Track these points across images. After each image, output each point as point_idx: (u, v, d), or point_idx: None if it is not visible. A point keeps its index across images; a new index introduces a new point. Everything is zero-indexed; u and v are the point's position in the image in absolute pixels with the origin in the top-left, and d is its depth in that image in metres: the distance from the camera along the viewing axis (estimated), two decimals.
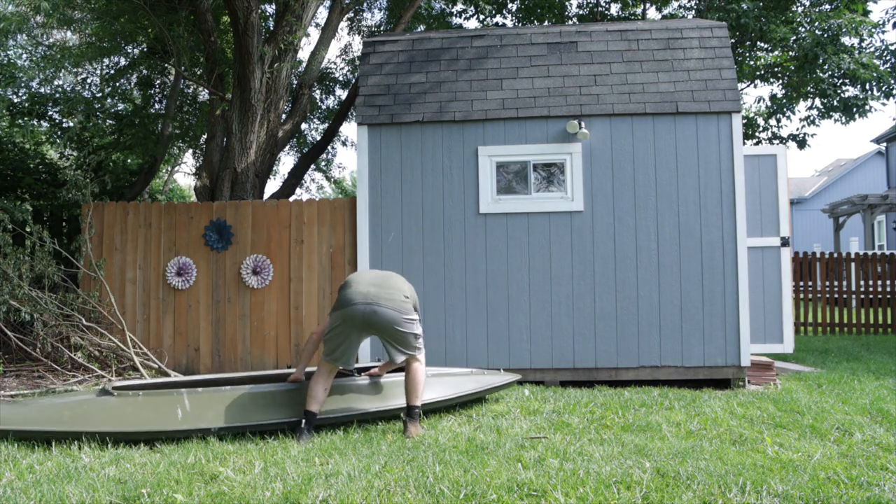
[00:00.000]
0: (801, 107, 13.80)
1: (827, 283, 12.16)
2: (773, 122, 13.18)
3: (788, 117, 12.81)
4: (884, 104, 12.91)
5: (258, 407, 4.48)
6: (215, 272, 7.09)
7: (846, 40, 11.46)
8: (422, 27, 13.91)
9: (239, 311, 7.00)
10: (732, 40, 11.86)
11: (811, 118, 12.88)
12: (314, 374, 4.60)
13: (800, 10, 12.18)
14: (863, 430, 4.41)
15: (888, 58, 11.97)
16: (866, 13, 11.66)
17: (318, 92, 14.80)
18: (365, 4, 13.99)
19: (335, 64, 18.12)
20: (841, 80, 11.79)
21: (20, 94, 12.00)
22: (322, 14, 12.66)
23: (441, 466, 3.53)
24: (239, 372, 7.01)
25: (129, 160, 13.89)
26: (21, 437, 4.25)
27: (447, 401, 5.08)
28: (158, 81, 13.62)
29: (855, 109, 11.75)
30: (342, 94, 15.25)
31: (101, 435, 4.22)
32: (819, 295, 12.08)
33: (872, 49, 12.12)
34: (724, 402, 5.31)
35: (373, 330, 4.55)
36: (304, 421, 4.38)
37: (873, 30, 11.69)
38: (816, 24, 11.53)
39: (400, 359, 4.59)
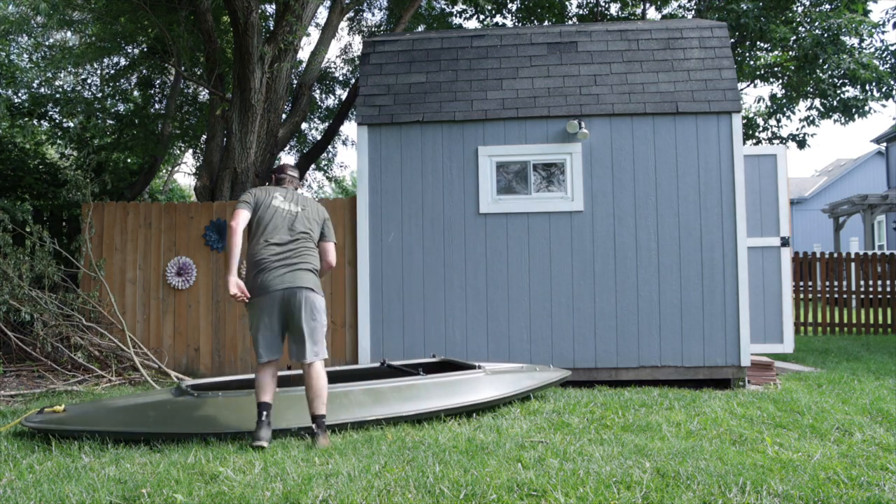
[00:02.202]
0: (801, 107, 13.81)
1: (827, 283, 12.16)
2: (773, 122, 13.18)
3: (788, 117, 12.81)
4: (884, 104, 12.90)
5: (333, 406, 4.47)
6: (215, 272, 7.09)
7: (846, 40, 11.45)
8: (422, 27, 13.91)
9: (239, 311, 7.00)
10: (732, 40, 11.86)
11: (811, 118, 12.88)
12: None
13: (800, 10, 12.18)
14: (863, 430, 4.41)
15: (888, 58, 11.97)
16: (866, 13, 11.66)
17: (318, 92, 14.79)
18: (365, 4, 13.99)
19: (335, 64, 18.13)
20: (841, 81, 11.79)
21: (20, 95, 12.01)
22: (322, 14, 12.66)
23: (441, 466, 3.53)
24: (239, 372, 7.02)
25: (129, 160, 13.90)
26: (118, 438, 4.20)
27: (507, 397, 5.10)
28: (158, 81, 13.62)
29: (855, 110, 11.75)
30: (342, 93, 15.25)
31: (193, 436, 4.19)
32: (819, 295, 12.08)
33: (872, 49, 12.12)
34: (724, 402, 5.31)
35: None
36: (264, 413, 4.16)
37: (873, 30, 11.68)
38: (816, 24, 11.53)
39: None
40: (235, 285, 4.21)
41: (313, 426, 4.17)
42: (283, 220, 4.35)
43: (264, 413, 4.14)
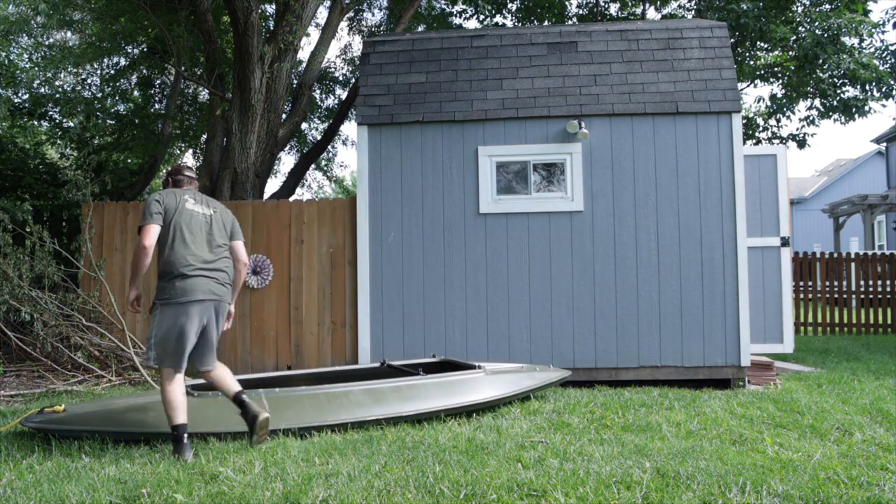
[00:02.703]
0: (801, 107, 13.84)
1: (827, 283, 12.16)
2: (773, 122, 13.19)
3: (788, 117, 12.81)
4: (884, 104, 12.91)
5: (333, 407, 4.50)
6: None
7: (846, 40, 11.46)
8: (422, 27, 13.91)
9: (239, 311, 7.00)
10: (732, 40, 11.86)
11: (811, 118, 12.88)
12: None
13: (800, 9, 12.18)
14: (863, 430, 4.41)
15: (888, 58, 11.97)
16: (866, 13, 11.66)
17: (318, 92, 14.80)
18: (365, 4, 13.99)
19: (335, 64, 18.13)
20: (841, 81, 11.79)
21: (21, 95, 12.01)
22: (322, 14, 12.67)
23: (441, 466, 3.53)
24: (239, 372, 7.02)
25: (129, 160, 13.90)
26: (118, 438, 4.19)
27: (507, 397, 5.11)
28: (158, 81, 13.63)
29: (855, 110, 11.75)
30: (342, 93, 15.26)
31: (193, 435, 4.11)
32: (819, 295, 12.08)
33: (872, 49, 12.12)
34: (724, 402, 5.31)
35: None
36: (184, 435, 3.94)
37: (873, 30, 11.69)
38: (816, 24, 11.53)
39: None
40: (136, 298, 4.20)
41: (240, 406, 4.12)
42: (199, 225, 4.20)
43: (185, 435, 3.90)
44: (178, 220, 4.13)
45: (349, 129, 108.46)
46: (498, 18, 14.21)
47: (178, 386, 3.99)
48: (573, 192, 6.52)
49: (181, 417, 3.93)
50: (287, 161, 20.16)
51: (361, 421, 4.54)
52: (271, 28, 11.27)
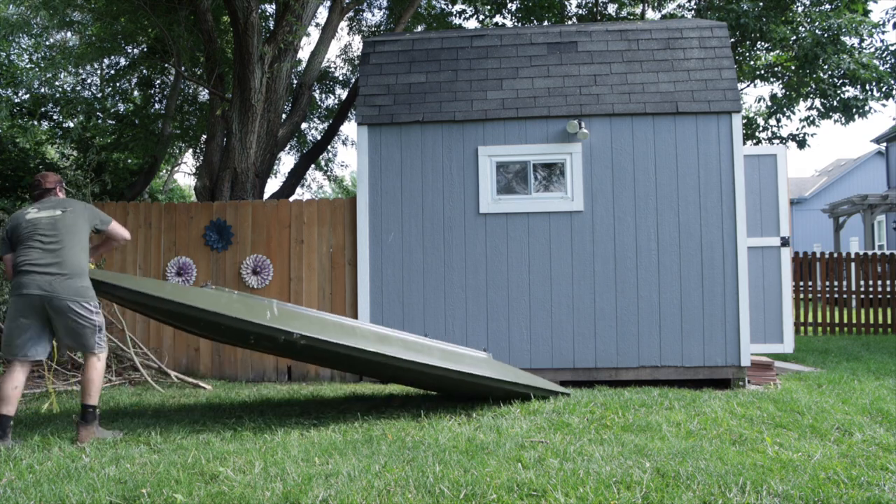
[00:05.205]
0: (801, 107, 13.81)
1: (827, 283, 12.16)
2: (773, 122, 13.19)
3: (788, 117, 12.81)
4: (884, 104, 12.93)
5: (338, 332, 4.64)
6: (215, 272, 7.09)
7: (846, 40, 11.46)
8: (422, 27, 13.91)
9: None
10: (732, 40, 11.86)
11: (811, 118, 12.88)
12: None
13: (800, 9, 12.18)
14: (863, 430, 4.40)
15: (888, 58, 11.97)
16: (866, 13, 11.67)
17: (318, 92, 14.80)
18: (365, 4, 13.99)
19: (335, 64, 18.14)
20: (841, 81, 11.80)
21: (21, 95, 12.01)
22: (322, 14, 12.66)
23: (441, 466, 3.53)
24: (239, 372, 7.02)
25: (129, 160, 13.90)
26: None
27: (505, 382, 5.08)
28: (158, 81, 13.62)
29: (855, 110, 11.75)
30: (342, 93, 15.26)
31: (201, 310, 4.39)
32: (819, 295, 12.08)
33: (872, 49, 12.12)
34: (724, 402, 5.31)
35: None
36: None
37: (873, 30, 11.69)
38: (816, 23, 11.53)
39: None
40: None
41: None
42: (35, 230, 4.38)
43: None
44: (21, 233, 4.40)
45: (349, 129, 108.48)
46: (498, 18, 14.21)
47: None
48: (573, 192, 6.52)
49: (6, 409, 4.20)
50: (287, 161, 20.16)
51: (361, 350, 4.57)
52: (271, 28, 11.27)
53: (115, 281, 4.54)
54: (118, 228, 4.70)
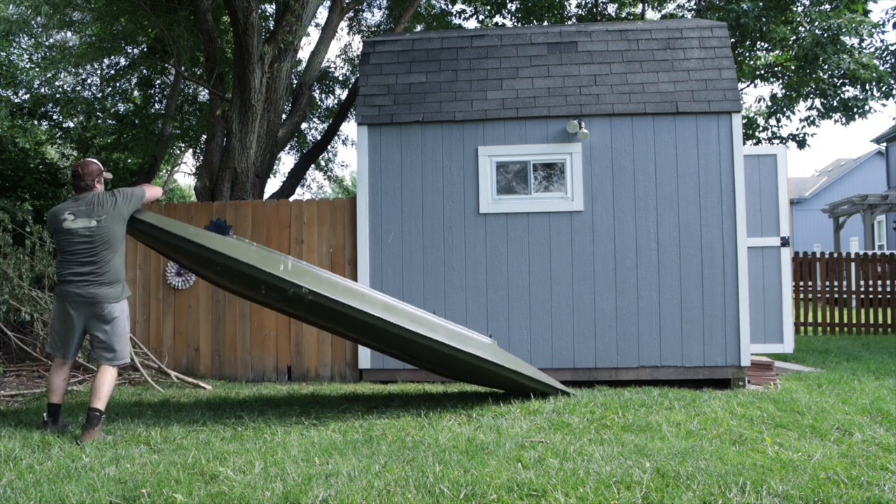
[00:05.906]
0: (801, 107, 13.81)
1: (827, 283, 12.16)
2: (773, 122, 13.19)
3: (788, 117, 12.82)
4: (884, 104, 12.95)
5: (346, 294, 4.71)
6: None
7: (846, 40, 11.46)
8: (422, 27, 13.91)
9: (239, 311, 7.00)
10: (732, 40, 11.86)
11: (811, 118, 12.88)
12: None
13: (800, 9, 12.18)
14: (863, 430, 4.40)
15: (888, 58, 11.97)
16: (866, 13, 11.67)
17: (318, 92, 14.80)
18: (365, 4, 14.00)
19: (335, 64, 18.12)
20: (841, 81, 11.80)
21: (21, 95, 12.02)
22: (322, 14, 12.65)
23: (441, 466, 3.53)
24: (239, 372, 7.02)
25: (129, 160, 13.90)
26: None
27: (506, 369, 5.05)
28: (158, 81, 13.63)
29: (855, 110, 11.76)
30: (342, 93, 15.27)
31: (218, 253, 4.53)
32: (819, 295, 12.08)
33: (872, 49, 12.12)
34: (724, 402, 5.31)
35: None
36: (45, 414, 4.62)
37: (873, 30, 11.69)
38: (816, 23, 11.53)
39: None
40: None
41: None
42: (71, 243, 4.59)
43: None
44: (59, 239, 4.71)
45: (349, 128, 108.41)
46: (497, 18, 14.21)
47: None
48: (573, 192, 6.52)
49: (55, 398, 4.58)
50: (287, 161, 20.16)
51: (368, 314, 4.63)
52: (271, 28, 11.27)
53: (138, 214, 4.81)
54: (151, 195, 5.01)
